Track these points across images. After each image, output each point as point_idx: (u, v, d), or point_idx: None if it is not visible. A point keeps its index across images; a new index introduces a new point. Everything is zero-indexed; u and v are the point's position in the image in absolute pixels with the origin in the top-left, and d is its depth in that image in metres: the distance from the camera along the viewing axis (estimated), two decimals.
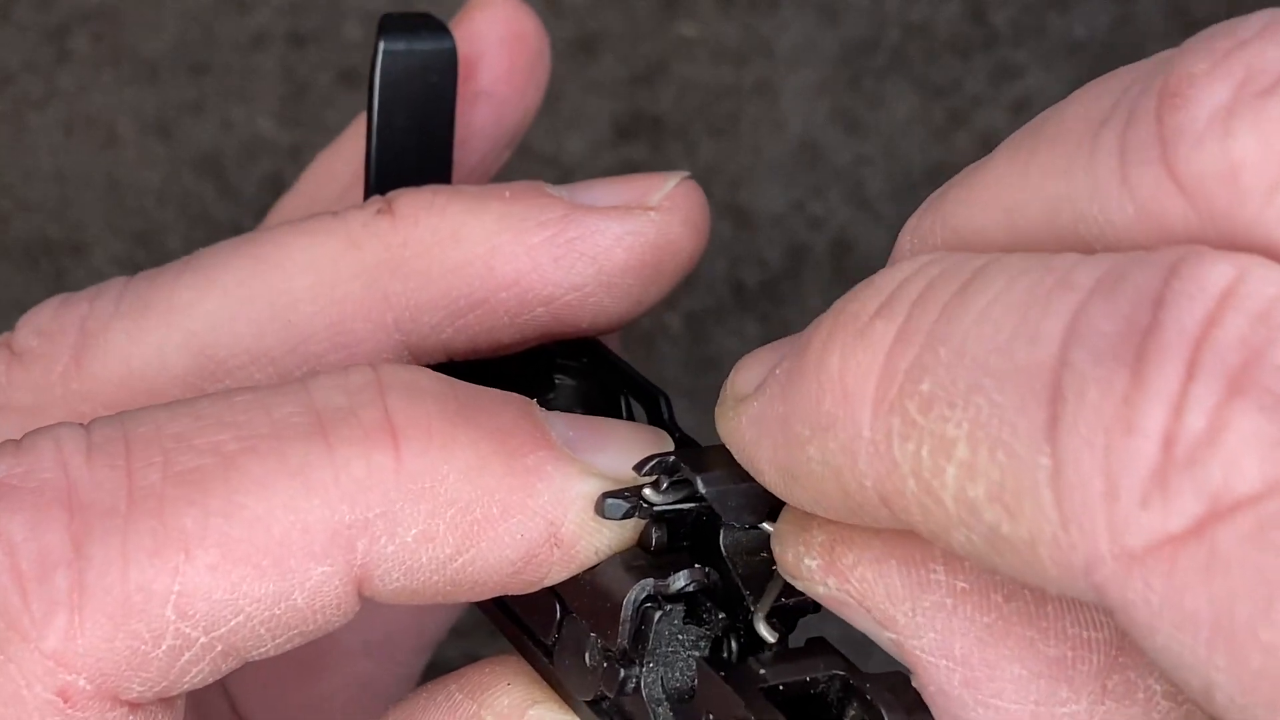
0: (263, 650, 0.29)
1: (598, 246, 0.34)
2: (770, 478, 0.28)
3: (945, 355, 0.25)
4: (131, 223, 0.65)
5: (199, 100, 0.65)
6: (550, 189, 0.35)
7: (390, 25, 0.37)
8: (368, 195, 0.37)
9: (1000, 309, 0.24)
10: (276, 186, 0.65)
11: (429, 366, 0.35)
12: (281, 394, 0.30)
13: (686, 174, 0.35)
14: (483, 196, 0.34)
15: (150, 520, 0.28)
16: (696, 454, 0.30)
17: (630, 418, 0.35)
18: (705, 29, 0.66)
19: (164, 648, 0.28)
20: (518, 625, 0.32)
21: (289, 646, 0.29)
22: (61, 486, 0.29)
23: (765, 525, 0.30)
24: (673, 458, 0.30)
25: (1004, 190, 0.27)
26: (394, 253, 0.34)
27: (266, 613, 0.29)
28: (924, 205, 0.29)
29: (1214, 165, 0.24)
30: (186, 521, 0.28)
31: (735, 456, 0.28)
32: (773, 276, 0.63)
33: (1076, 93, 0.28)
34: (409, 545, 0.29)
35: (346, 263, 0.34)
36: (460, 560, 0.29)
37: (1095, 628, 0.27)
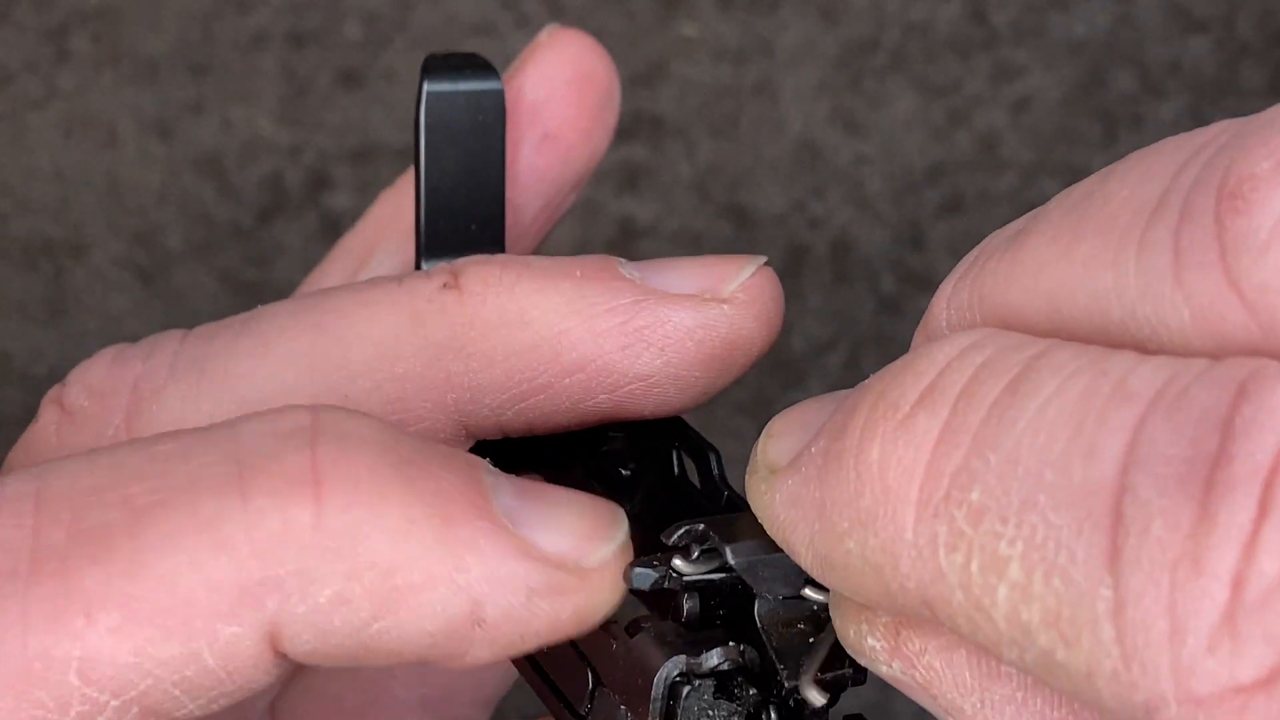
0: (185, 711, 0.28)
1: (667, 338, 0.32)
2: (807, 561, 0.26)
3: (996, 463, 0.23)
4: (131, 223, 0.64)
5: (199, 100, 0.65)
6: (623, 268, 0.33)
7: (434, 65, 0.36)
8: (419, 241, 0.36)
9: (1054, 415, 0.23)
10: (276, 186, 0.65)
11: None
12: (205, 440, 0.28)
13: (764, 260, 0.33)
14: (553, 275, 0.33)
15: (51, 582, 0.27)
16: (728, 522, 0.29)
17: (681, 471, 0.34)
18: (705, 29, 0.66)
19: (72, 714, 0.27)
20: (554, 691, 0.31)
21: (215, 708, 0.28)
22: None
23: (808, 592, 0.29)
24: (702, 526, 0.29)
25: (1046, 275, 0.26)
26: (458, 331, 0.32)
27: (176, 675, 0.27)
28: (959, 273, 0.28)
29: (1279, 279, 0.23)
30: (88, 582, 0.27)
31: (769, 532, 0.27)
32: None
33: (1121, 166, 0.26)
34: (322, 607, 0.27)
35: (408, 339, 0.32)
36: (376, 627, 0.28)
37: None
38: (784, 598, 0.29)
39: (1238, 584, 0.21)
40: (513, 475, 0.29)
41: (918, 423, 0.24)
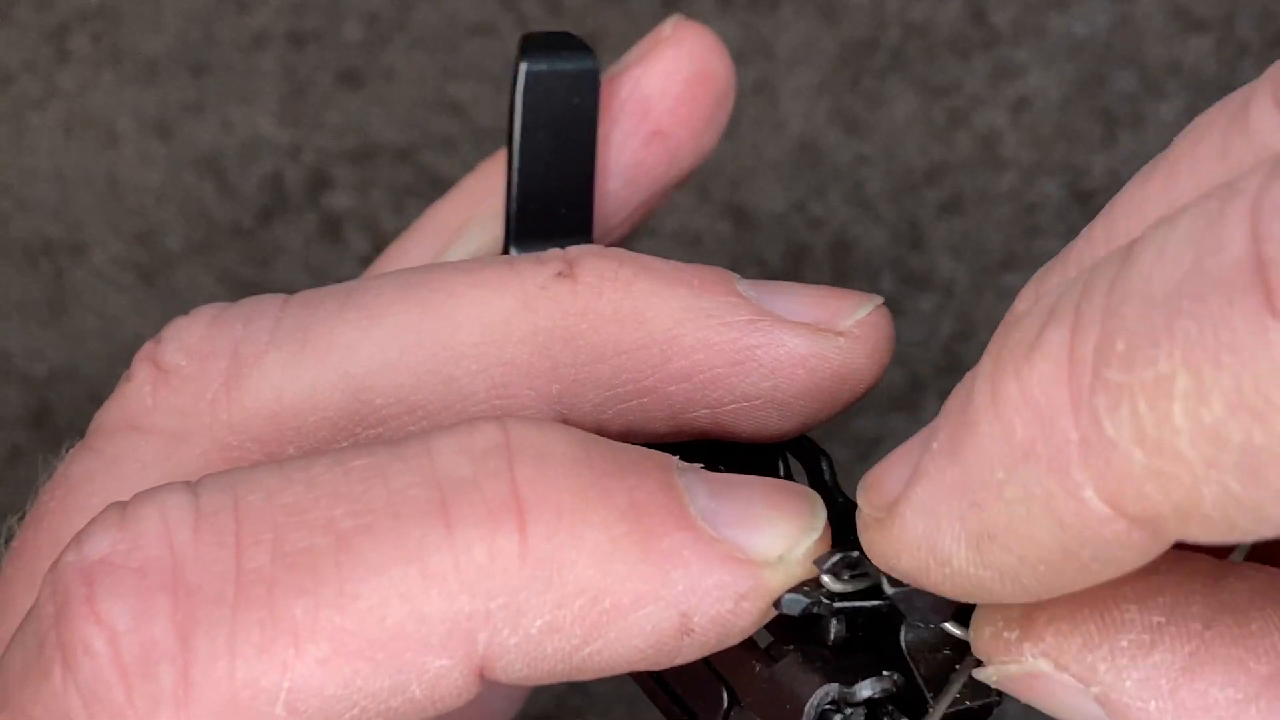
0: None
1: (779, 361, 0.32)
2: (959, 560, 0.25)
3: (1132, 311, 0.23)
4: (131, 223, 0.65)
5: (199, 100, 0.65)
6: (740, 285, 0.32)
7: (531, 45, 0.35)
8: (509, 225, 0.36)
9: (1175, 247, 0.23)
10: (276, 186, 0.65)
11: None
12: (402, 459, 0.28)
13: (880, 300, 0.33)
14: (670, 279, 0.32)
15: (258, 610, 0.27)
16: None
17: (789, 477, 0.33)
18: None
19: None
20: (680, 707, 0.30)
21: None
22: (166, 567, 0.27)
23: (948, 626, 0.28)
24: (856, 553, 0.28)
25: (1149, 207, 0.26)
26: (570, 321, 0.32)
27: (382, 705, 0.27)
28: (1048, 269, 0.28)
29: None
30: (296, 611, 0.27)
31: (903, 566, 0.26)
32: (773, 276, 0.63)
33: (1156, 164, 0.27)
34: (534, 637, 0.27)
35: (518, 324, 0.32)
36: (587, 650, 0.27)
37: None
38: (932, 625, 0.28)
39: None
40: (701, 468, 0.29)
41: (1048, 338, 0.24)
